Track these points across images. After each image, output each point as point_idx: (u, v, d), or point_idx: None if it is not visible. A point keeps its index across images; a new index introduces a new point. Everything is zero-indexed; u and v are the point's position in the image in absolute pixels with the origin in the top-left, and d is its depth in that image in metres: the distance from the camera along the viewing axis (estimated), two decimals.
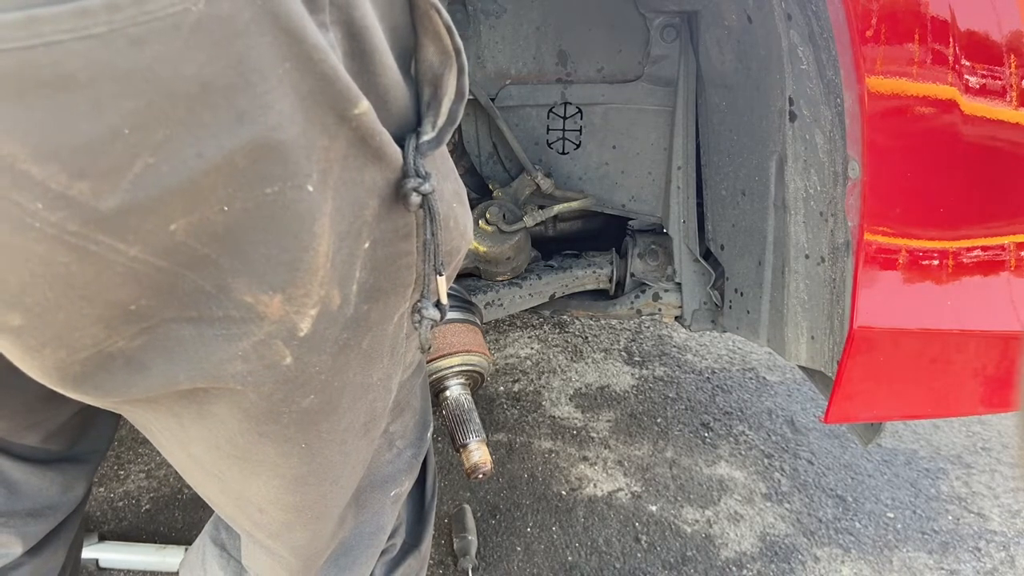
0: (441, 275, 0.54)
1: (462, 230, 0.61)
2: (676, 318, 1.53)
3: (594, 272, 1.54)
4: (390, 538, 0.88)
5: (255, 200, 0.40)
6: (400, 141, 0.48)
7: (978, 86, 0.88)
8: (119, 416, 0.64)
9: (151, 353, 0.45)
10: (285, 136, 0.40)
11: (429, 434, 0.88)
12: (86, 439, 0.88)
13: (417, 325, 0.56)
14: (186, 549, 1.53)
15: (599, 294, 1.60)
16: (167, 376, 0.47)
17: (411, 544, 0.96)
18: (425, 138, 0.50)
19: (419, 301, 0.56)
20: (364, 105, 0.43)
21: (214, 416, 0.53)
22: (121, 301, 0.41)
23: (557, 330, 2.61)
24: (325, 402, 0.56)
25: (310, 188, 0.42)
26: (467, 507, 1.69)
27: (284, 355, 0.49)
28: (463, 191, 0.62)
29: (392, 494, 0.82)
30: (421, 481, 0.97)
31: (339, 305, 0.49)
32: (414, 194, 0.48)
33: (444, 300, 0.56)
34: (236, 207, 0.40)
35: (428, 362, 1.12)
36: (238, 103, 0.37)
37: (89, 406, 0.81)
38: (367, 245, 0.49)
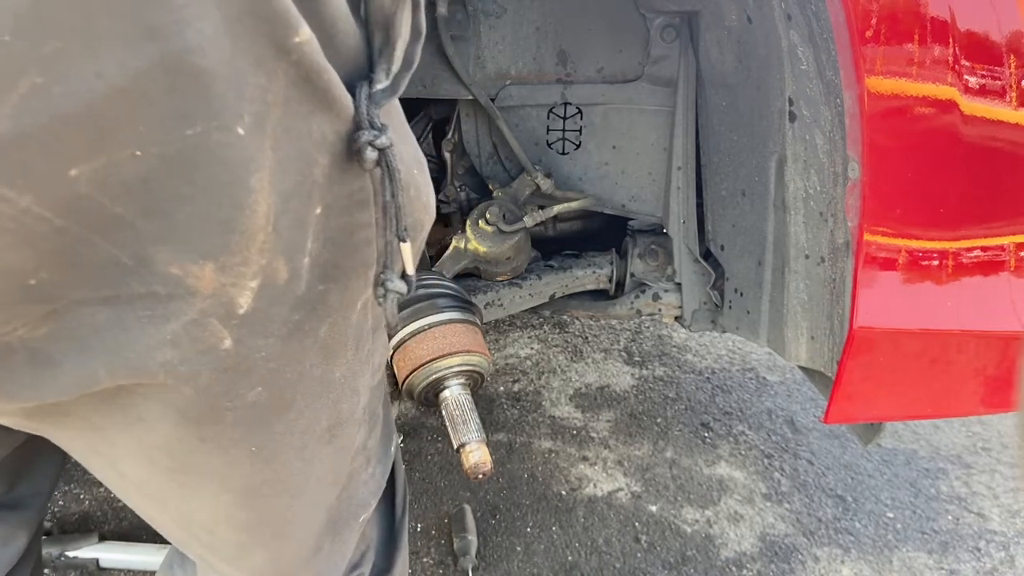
0: (404, 242, 0.47)
1: (425, 201, 0.54)
2: (676, 318, 1.53)
3: (594, 272, 1.54)
4: (357, 567, 0.77)
5: (174, 143, 0.34)
6: (351, 90, 0.42)
7: (978, 86, 0.88)
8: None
9: (61, 344, 0.38)
10: (206, 63, 0.34)
11: (393, 447, 0.79)
12: (25, 481, 0.78)
13: (381, 300, 0.48)
14: None
15: (599, 294, 1.60)
16: (83, 372, 0.39)
17: (383, 568, 0.83)
18: (379, 87, 0.43)
19: (382, 272, 0.48)
20: (305, 33, 0.37)
21: (143, 423, 0.45)
22: (15, 271, 0.34)
23: (557, 330, 2.61)
24: (276, 396, 0.48)
25: (241, 131, 0.36)
26: (467, 507, 1.69)
27: (222, 337, 0.41)
28: (423, 159, 0.55)
29: (361, 519, 0.72)
30: (390, 496, 0.85)
31: (287, 280, 0.43)
32: (369, 148, 0.42)
33: (410, 271, 0.49)
34: (152, 152, 0.34)
35: (428, 362, 1.12)
36: (147, 15, 0.31)
37: (27, 442, 0.69)
38: (319, 211, 0.43)
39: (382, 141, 0.42)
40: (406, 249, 0.47)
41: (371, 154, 0.42)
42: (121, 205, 0.34)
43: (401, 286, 0.48)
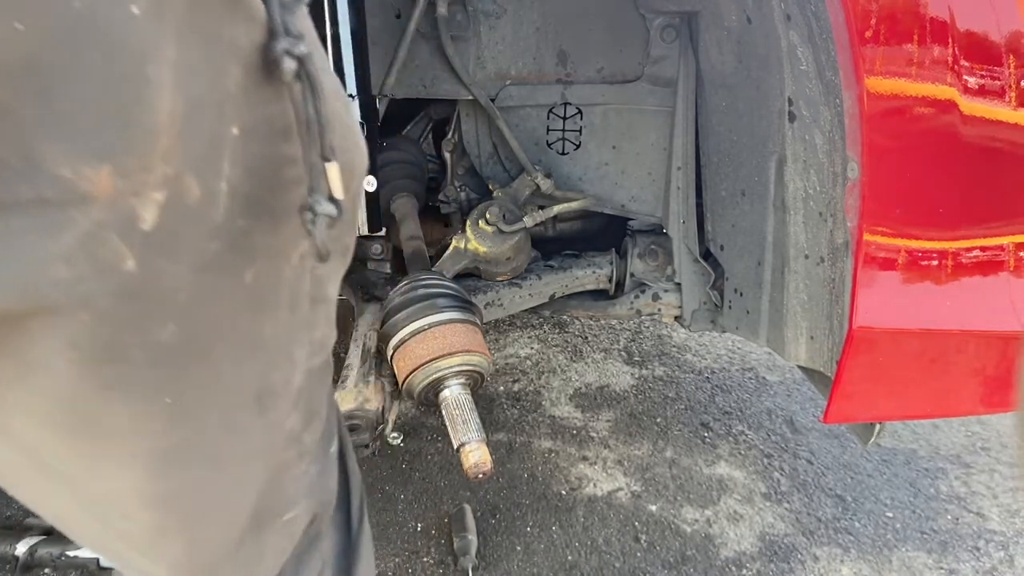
0: (329, 160, 0.43)
1: (354, 140, 0.50)
2: (676, 318, 1.53)
3: (594, 272, 1.54)
4: None
5: (58, 16, 0.31)
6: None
7: (977, 86, 0.89)
8: None
9: None
10: None
11: (333, 449, 0.73)
12: None
13: (311, 225, 0.44)
14: None
15: (599, 294, 1.60)
16: None
17: None
18: None
19: (309, 195, 0.44)
20: None
21: (39, 367, 0.40)
22: None
23: (557, 330, 2.61)
24: (193, 339, 0.43)
25: (135, 10, 0.33)
26: (467, 507, 1.69)
27: (123, 255, 0.37)
28: (348, 100, 0.53)
29: (286, 518, 0.65)
30: (345, 505, 0.78)
31: (199, 200, 0.39)
32: (287, 58, 0.39)
33: (338, 194, 0.45)
34: (32, 24, 0.30)
35: (428, 362, 1.12)
36: None
37: None
38: (235, 131, 0.40)
39: (300, 49, 0.40)
40: (332, 168, 0.43)
41: (289, 64, 0.40)
42: (2, 89, 0.30)
43: (330, 208, 0.44)
